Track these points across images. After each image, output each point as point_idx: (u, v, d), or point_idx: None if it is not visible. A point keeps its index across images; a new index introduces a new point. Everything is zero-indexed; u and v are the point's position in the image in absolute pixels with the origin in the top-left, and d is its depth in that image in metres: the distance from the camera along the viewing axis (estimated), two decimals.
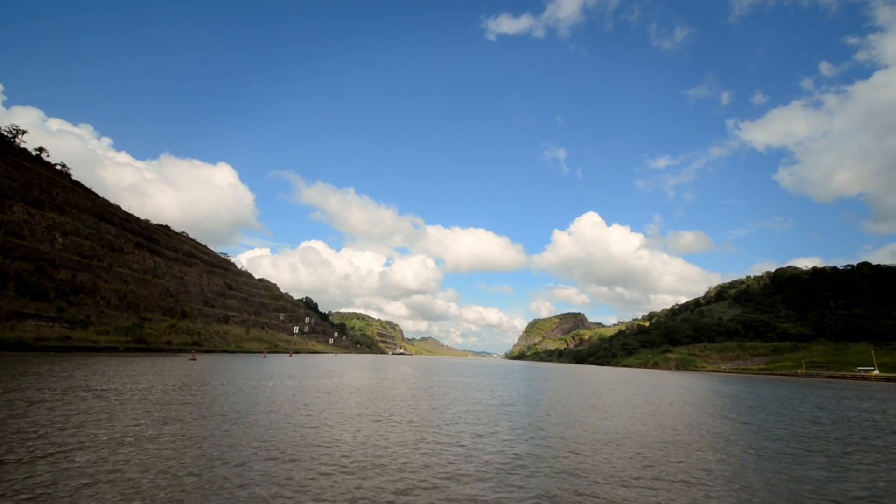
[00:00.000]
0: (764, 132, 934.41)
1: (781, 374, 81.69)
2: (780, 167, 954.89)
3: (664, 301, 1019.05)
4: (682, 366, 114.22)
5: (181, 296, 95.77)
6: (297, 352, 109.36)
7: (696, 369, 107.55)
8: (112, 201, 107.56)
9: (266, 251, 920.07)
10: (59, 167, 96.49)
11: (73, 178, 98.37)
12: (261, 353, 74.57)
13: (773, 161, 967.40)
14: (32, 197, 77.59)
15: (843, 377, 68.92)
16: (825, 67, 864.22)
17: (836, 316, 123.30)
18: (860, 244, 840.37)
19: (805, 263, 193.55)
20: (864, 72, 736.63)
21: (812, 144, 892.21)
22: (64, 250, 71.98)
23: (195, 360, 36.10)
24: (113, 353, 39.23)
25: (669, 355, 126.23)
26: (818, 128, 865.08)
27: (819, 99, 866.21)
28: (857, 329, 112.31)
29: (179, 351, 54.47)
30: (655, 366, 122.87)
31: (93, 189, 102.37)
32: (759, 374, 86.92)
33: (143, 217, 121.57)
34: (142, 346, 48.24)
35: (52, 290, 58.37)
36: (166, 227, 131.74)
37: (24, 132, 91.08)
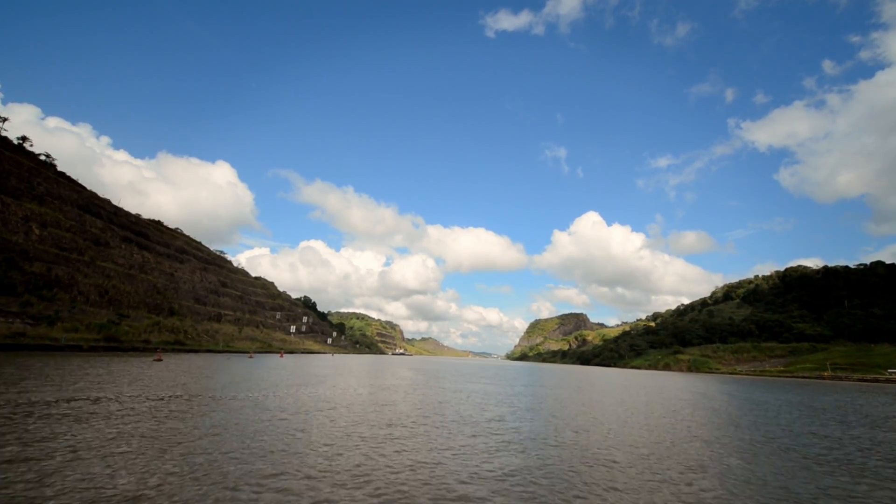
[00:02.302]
0: (766, 133, 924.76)
1: (804, 377, 76.90)
2: (782, 168, 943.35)
3: (665, 302, 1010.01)
4: (694, 367, 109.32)
5: (170, 292, 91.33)
6: (291, 352, 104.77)
7: (709, 371, 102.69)
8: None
9: (266, 251, 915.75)
10: (42, 157, 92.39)
11: (59, 169, 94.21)
12: (250, 353, 69.88)
13: (774, 161, 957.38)
14: (10, 186, 73.26)
15: (876, 380, 64.14)
16: (828, 66, 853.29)
17: (853, 316, 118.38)
18: (861, 245, 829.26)
19: (807, 264, 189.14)
20: (868, 70, 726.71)
21: (814, 145, 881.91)
22: (40, 242, 67.58)
23: (161, 360, 31.55)
24: (72, 353, 34.68)
25: (680, 356, 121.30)
26: (820, 128, 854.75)
27: (822, 98, 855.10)
28: (877, 329, 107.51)
29: (158, 350, 49.90)
30: (666, 367, 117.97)
31: (80, 182, 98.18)
32: (780, 376, 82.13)
33: (143, 216, 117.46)
34: (113, 344, 43.67)
35: (20, 284, 53.90)
36: (158, 223, 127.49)
37: (5, 119, 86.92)
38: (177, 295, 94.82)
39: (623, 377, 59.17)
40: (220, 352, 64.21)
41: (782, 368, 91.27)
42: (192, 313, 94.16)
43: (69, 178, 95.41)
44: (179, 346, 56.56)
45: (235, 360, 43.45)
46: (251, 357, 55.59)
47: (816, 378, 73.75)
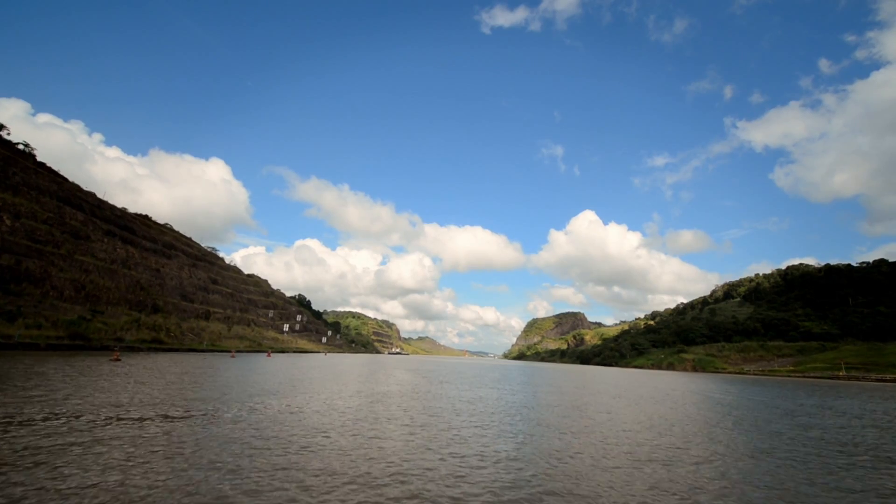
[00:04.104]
0: (762, 132, 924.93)
1: (817, 377, 73.85)
2: (777, 167, 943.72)
3: (662, 301, 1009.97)
4: (700, 367, 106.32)
5: (154, 289, 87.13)
6: (282, 351, 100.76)
7: (716, 371, 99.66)
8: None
9: (261, 249, 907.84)
10: (21, 147, 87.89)
11: (39, 159, 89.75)
12: (232, 352, 65.86)
13: (770, 161, 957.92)
14: None
15: None
16: (824, 65, 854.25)
17: (860, 314, 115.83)
18: (855, 245, 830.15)
19: (803, 264, 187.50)
20: (864, 70, 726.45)
21: (810, 145, 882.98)
22: (11, 234, 63.31)
23: (118, 360, 27.69)
24: (24, 351, 30.76)
25: (685, 356, 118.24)
26: (816, 128, 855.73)
27: (818, 98, 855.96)
28: (885, 328, 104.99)
29: (132, 349, 45.98)
30: (670, 367, 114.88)
31: (62, 174, 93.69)
32: (790, 376, 79.10)
33: (131, 210, 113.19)
34: (79, 342, 39.74)
35: None
36: (146, 217, 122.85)
37: None
38: (162, 291, 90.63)
39: (640, 378, 55.68)
40: (202, 351, 60.28)
41: (792, 368, 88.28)
42: (178, 311, 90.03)
43: (49, 169, 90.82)
44: (158, 344, 52.59)
45: (213, 360, 39.59)
46: (233, 356, 51.68)
47: (831, 378, 70.69)
